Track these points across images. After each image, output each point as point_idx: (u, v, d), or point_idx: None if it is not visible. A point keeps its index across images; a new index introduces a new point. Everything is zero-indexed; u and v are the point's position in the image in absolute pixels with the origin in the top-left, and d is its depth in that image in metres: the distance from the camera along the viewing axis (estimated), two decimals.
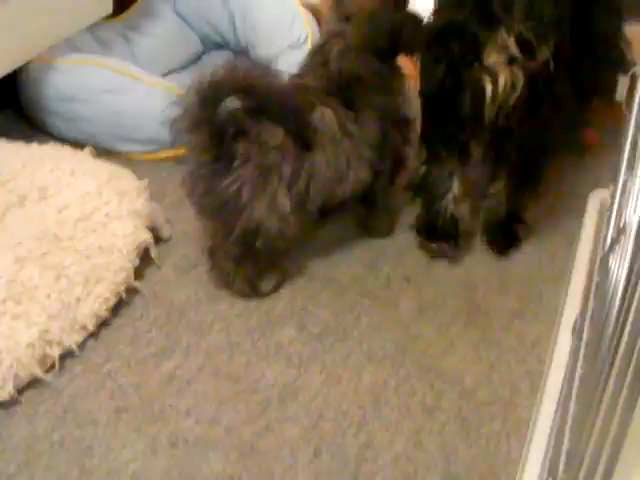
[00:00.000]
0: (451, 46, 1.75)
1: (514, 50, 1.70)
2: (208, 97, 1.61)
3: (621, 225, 0.93)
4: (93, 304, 1.69)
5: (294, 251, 1.86)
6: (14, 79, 2.30)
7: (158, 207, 1.96)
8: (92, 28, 2.49)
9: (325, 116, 1.73)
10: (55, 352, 1.61)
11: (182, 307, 1.78)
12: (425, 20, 1.85)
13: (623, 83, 2.13)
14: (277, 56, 2.49)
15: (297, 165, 1.69)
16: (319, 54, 1.85)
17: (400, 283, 1.86)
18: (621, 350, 0.73)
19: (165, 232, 1.96)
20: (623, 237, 0.84)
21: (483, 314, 1.79)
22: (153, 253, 1.88)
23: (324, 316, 1.77)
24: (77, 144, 2.08)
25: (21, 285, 1.64)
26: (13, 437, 1.49)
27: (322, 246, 1.96)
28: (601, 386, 0.85)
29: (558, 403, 1.44)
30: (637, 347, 0.73)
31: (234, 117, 1.64)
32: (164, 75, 2.55)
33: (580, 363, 1.14)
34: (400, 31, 1.84)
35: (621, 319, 0.76)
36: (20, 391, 1.56)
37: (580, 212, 2.00)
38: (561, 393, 1.44)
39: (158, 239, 1.93)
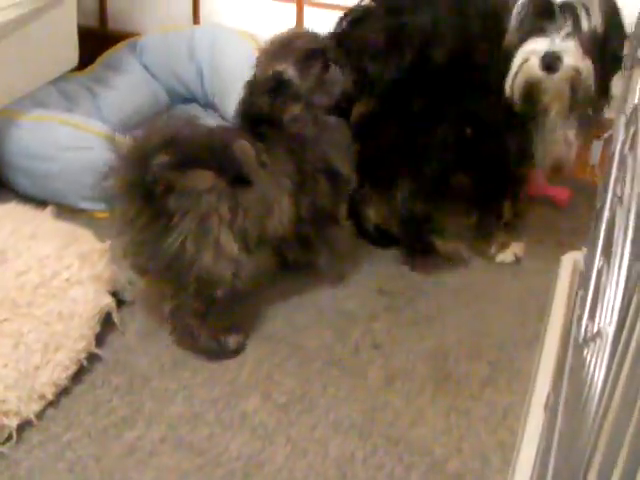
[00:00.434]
0: None
1: None
2: (133, 160, 1.62)
3: (595, 328, 0.90)
4: (52, 372, 1.65)
5: (260, 315, 1.84)
6: None
7: (120, 269, 1.91)
8: (57, 81, 2.47)
9: (244, 148, 1.72)
10: (12, 422, 1.56)
11: (145, 374, 1.74)
12: None
13: (597, 147, 2.13)
14: None
15: (233, 203, 1.68)
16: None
17: (369, 351, 1.82)
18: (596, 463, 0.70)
19: (127, 295, 1.92)
20: (599, 339, 0.81)
21: (453, 382, 1.75)
22: (115, 318, 1.84)
23: (290, 385, 1.72)
24: (40, 202, 2.05)
25: None
26: None
27: (289, 310, 1.93)
28: None
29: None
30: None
31: (161, 173, 1.62)
32: (131, 129, 2.51)
33: (554, 448, 1.10)
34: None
35: (597, 426, 0.73)
36: None
37: (550, 274, 1.98)
38: (534, 469, 1.40)
39: (120, 302, 1.89)
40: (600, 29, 1.77)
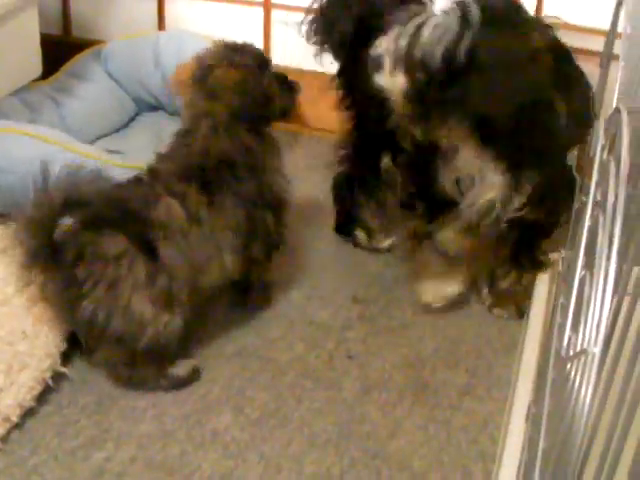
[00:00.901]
0: None
1: None
2: (36, 223, 1.54)
3: (579, 344, 0.86)
4: (17, 394, 1.59)
5: (228, 330, 1.82)
6: None
7: None
8: (19, 91, 2.42)
9: (171, 208, 1.63)
10: None
11: (113, 393, 1.68)
12: None
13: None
14: None
15: (151, 266, 1.59)
16: (186, 137, 1.76)
17: (343, 361, 1.78)
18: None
19: None
20: (584, 357, 0.77)
21: (431, 391, 1.72)
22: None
23: (263, 399, 1.68)
24: (3, 216, 2.00)
25: None
26: None
27: (259, 323, 1.89)
28: None
29: None
30: None
31: (68, 238, 1.56)
32: (97, 138, 2.47)
33: (538, 464, 1.06)
34: (272, 95, 1.78)
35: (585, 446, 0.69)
36: None
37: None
38: None
39: None
40: None
